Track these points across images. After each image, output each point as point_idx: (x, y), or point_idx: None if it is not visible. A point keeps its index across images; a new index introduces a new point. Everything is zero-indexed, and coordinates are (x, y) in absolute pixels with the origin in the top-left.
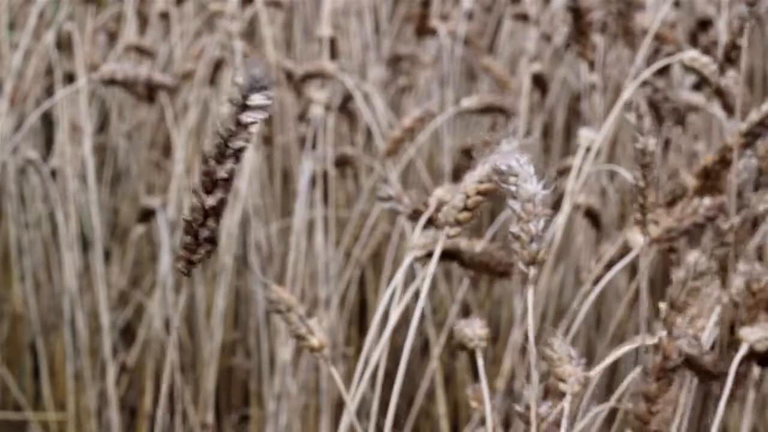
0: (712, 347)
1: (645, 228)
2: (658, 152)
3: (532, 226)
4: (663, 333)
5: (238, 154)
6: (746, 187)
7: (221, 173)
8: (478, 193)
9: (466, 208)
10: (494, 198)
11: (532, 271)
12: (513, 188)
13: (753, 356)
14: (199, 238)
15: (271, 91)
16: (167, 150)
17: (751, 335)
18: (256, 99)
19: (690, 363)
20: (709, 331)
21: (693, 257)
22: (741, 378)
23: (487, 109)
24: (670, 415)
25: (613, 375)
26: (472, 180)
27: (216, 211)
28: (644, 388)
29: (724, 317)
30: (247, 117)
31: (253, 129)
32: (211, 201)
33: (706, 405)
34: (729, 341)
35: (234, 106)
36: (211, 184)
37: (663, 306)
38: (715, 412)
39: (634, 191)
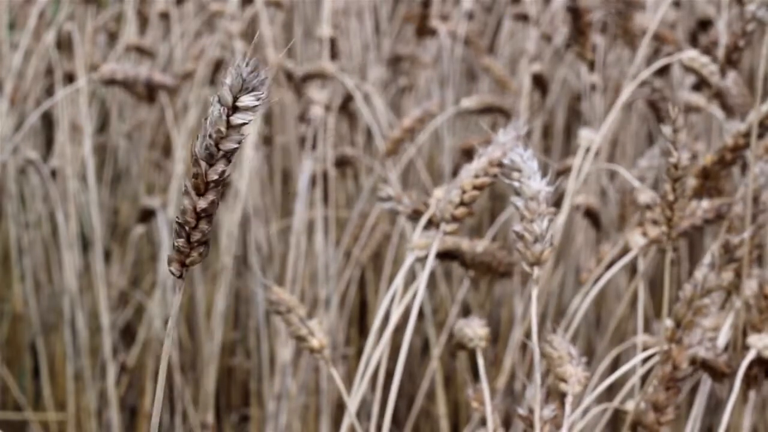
0: (725, 349)
1: (669, 241)
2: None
3: (536, 225)
4: (673, 343)
5: (229, 155)
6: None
7: (212, 175)
8: (475, 187)
9: (462, 203)
10: (494, 198)
11: (536, 272)
12: (516, 184)
13: (760, 363)
14: (192, 240)
15: (262, 92)
16: (167, 150)
17: (759, 342)
18: (246, 100)
19: (705, 365)
20: (723, 335)
21: (701, 273)
22: (752, 382)
23: (487, 109)
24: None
25: (612, 374)
26: (468, 174)
27: (208, 214)
28: (653, 398)
29: (738, 321)
30: (237, 119)
31: (245, 130)
32: (202, 203)
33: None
34: (742, 345)
35: (223, 107)
36: (202, 186)
37: (668, 323)
38: (720, 413)
39: (662, 204)
